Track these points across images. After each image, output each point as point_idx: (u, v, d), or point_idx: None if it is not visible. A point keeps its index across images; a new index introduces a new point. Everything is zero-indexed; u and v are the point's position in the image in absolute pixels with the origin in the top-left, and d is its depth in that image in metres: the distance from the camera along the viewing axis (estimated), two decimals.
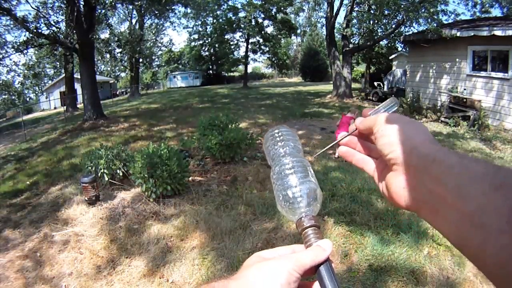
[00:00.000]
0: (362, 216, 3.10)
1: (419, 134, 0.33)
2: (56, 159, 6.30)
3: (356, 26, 14.49)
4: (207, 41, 29.69)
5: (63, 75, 19.76)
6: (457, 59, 9.44)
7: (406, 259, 2.46)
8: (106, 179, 4.08)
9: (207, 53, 33.12)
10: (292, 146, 0.51)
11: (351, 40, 14.85)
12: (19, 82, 12.76)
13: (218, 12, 24.06)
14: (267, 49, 26.97)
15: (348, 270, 2.39)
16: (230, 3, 23.41)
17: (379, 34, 13.13)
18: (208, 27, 27.65)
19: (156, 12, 14.11)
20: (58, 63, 19.49)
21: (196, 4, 14.13)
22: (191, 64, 37.20)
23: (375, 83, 16.00)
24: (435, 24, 9.83)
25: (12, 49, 9.75)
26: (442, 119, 8.69)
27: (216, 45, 28.97)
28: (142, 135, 7.78)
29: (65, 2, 9.58)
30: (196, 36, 29.67)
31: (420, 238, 2.73)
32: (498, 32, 7.65)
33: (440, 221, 0.29)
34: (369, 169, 0.42)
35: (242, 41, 26.60)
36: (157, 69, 40.62)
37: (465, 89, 8.95)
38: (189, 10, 19.81)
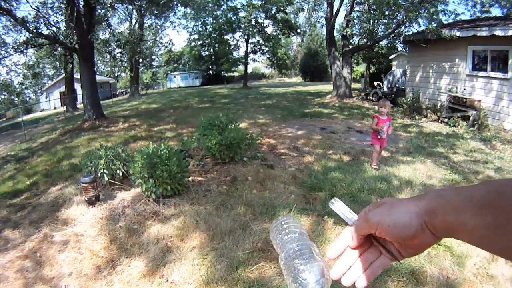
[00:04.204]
0: None
1: (401, 207, 0.40)
2: (56, 159, 6.30)
3: (356, 26, 14.49)
4: (207, 41, 29.71)
5: (63, 75, 19.76)
6: (457, 59, 9.44)
7: (406, 259, 2.46)
8: (106, 179, 4.08)
9: (207, 53, 33.14)
10: (297, 232, 0.54)
11: (351, 40, 14.85)
12: (18, 82, 12.76)
13: (218, 13, 24.06)
14: (267, 49, 26.97)
15: None
16: (230, 3, 23.40)
17: (379, 34, 13.13)
18: (208, 27, 27.67)
19: (156, 12, 14.09)
20: (58, 63, 19.48)
21: (195, 4, 14.13)
22: (191, 64, 37.22)
23: (375, 83, 16.01)
24: (435, 24, 9.83)
25: (12, 50, 9.74)
26: (442, 119, 8.70)
27: (216, 45, 28.98)
28: (142, 135, 7.78)
29: (64, 2, 9.58)
30: (196, 36, 29.71)
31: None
32: (498, 32, 7.66)
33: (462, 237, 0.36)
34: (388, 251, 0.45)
35: (242, 41, 26.61)
36: (157, 69, 40.62)
37: (465, 89, 8.96)
38: (188, 10, 19.82)
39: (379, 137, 4.41)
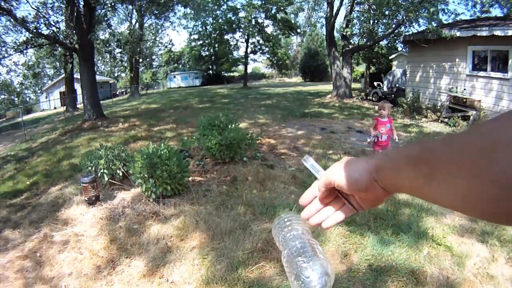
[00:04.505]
0: (362, 216, 3.10)
1: (353, 165, 0.46)
2: (56, 159, 6.30)
3: (356, 26, 14.49)
4: (207, 41, 29.71)
5: (63, 75, 19.77)
6: (457, 59, 9.44)
7: (406, 259, 2.46)
8: (106, 179, 4.08)
9: (207, 53, 33.14)
10: (299, 230, 0.55)
11: (351, 40, 14.85)
12: (18, 82, 12.77)
13: (218, 13, 24.06)
14: (267, 49, 26.97)
15: (348, 270, 2.40)
16: (230, 3, 23.39)
17: (379, 34, 13.13)
18: (208, 27, 27.67)
19: (156, 12, 14.09)
20: (58, 63, 19.49)
21: (195, 4, 14.14)
22: (191, 64, 37.22)
23: (375, 83, 16.01)
24: (435, 24, 9.82)
25: (12, 50, 9.75)
26: (442, 119, 8.70)
27: (216, 45, 28.98)
28: (142, 135, 7.78)
29: (64, 2, 9.58)
30: (196, 36, 29.73)
31: (420, 238, 2.73)
32: (498, 32, 7.66)
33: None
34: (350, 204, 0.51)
35: (242, 41, 26.61)
36: (157, 69, 40.61)
37: (465, 89, 8.95)
38: (188, 11, 19.82)
39: (369, 140, 4.37)
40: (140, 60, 26.17)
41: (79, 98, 16.51)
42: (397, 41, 15.13)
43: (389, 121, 4.29)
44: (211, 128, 5.01)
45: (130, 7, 18.04)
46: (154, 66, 38.83)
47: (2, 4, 8.52)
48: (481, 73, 8.63)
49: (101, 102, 11.89)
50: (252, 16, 22.91)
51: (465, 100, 8.36)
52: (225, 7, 23.68)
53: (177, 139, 6.75)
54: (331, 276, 0.46)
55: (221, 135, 4.64)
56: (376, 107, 11.62)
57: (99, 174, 4.07)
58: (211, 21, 26.10)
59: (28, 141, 9.59)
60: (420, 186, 0.37)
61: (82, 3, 9.71)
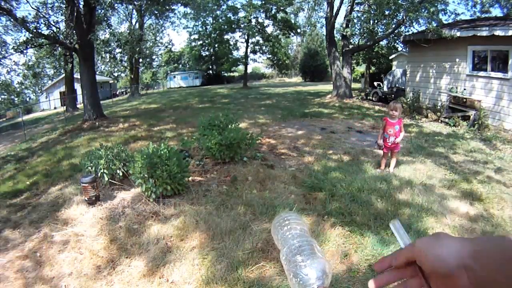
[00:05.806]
0: (362, 216, 3.10)
1: (447, 241, 0.39)
2: (56, 159, 6.30)
3: (356, 26, 14.48)
4: (207, 41, 29.76)
5: (63, 75, 19.80)
6: (457, 59, 9.44)
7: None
8: (106, 179, 4.08)
9: (207, 53, 33.19)
10: (298, 229, 0.55)
11: (351, 40, 14.84)
12: (18, 82, 12.77)
13: (218, 12, 24.08)
14: (267, 49, 26.99)
15: (348, 270, 2.39)
16: (229, 3, 23.42)
17: (379, 34, 13.13)
18: (208, 27, 27.72)
19: (156, 12, 14.10)
20: (57, 63, 19.51)
21: (195, 4, 14.14)
22: (191, 64, 37.26)
23: (375, 83, 16.02)
24: (435, 24, 9.83)
25: (12, 50, 9.75)
26: (442, 119, 8.70)
27: (216, 45, 29.02)
28: (142, 135, 7.77)
29: (64, 2, 9.58)
30: (196, 36, 29.78)
31: (420, 238, 2.72)
32: (498, 32, 7.65)
33: None
34: None
35: (242, 41, 26.64)
36: (157, 69, 40.62)
37: (465, 89, 8.95)
38: (189, 10, 19.85)
39: (378, 142, 4.38)
40: (140, 60, 26.17)
41: (79, 98, 16.53)
42: (397, 41, 15.11)
43: (398, 122, 4.28)
44: (211, 128, 5.01)
45: (130, 7, 18.03)
46: (154, 66, 38.81)
47: (2, 4, 8.52)
48: (481, 73, 8.63)
49: (101, 102, 11.89)
50: (252, 16, 22.92)
51: (465, 100, 8.36)
52: (225, 7, 23.71)
53: (177, 139, 6.75)
54: (329, 275, 0.47)
55: (221, 135, 4.64)
56: (377, 107, 11.64)
57: (99, 174, 4.07)
58: (211, 21, 26.15)
59: (28, 141, 9.59)
60: None
61: (82, 3, 9.71)
